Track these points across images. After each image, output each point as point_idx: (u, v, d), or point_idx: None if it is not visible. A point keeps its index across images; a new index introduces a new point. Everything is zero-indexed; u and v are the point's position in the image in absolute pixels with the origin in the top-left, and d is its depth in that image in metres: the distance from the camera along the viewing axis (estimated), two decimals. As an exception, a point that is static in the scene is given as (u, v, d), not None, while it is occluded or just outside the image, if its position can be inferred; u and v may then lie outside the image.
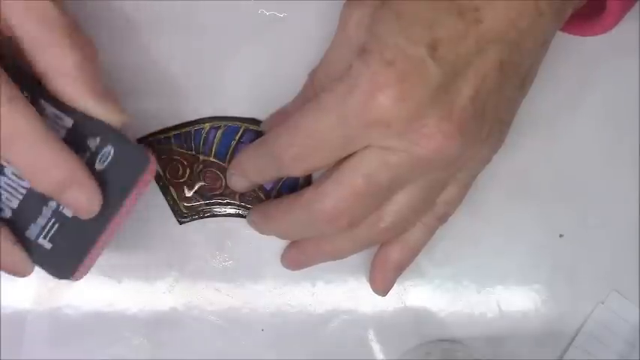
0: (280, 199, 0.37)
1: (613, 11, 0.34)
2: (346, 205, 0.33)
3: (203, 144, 0.39)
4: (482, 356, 0.40)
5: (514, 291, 0.41)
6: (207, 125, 0.38)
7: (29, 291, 0.38)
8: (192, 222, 0.39)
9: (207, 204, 0.39)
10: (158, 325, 0.39)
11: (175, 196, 0.39)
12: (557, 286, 0.41)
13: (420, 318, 0.41)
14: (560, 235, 0.41)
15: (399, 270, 0.38)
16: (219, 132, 0.38)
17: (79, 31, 0.32)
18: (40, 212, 0.34)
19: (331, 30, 0.35)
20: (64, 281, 0.38)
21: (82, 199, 0.31)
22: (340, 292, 0.40)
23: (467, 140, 0.31)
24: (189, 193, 0.39)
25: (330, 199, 0.33)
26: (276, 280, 0.40)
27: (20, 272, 0.33)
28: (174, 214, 0.39)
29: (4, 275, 0.38)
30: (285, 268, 0.39)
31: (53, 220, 0.33)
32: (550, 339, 0.41)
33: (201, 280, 0.39)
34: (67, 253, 0.34)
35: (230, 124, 0.38)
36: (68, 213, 0.33)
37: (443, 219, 0.36)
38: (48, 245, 0.34)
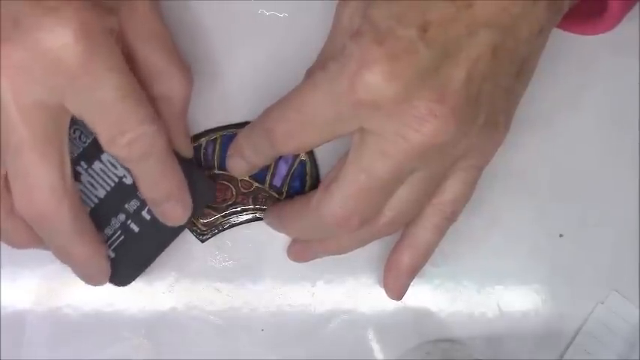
0: (293, 201, 0.37)
1: (614, 10, 0.34)
2: (354, 205, 0.32)
3: (204, 159, 0.39)
4: (482, 356, 0.40)
5: (514, 291, 0.41)
6: (203, 140, 0.38)
7: (29, 291, 0.38)
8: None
9: (223, 216, 0.39)
10: (158, 325, 0.39)
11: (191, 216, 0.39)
12: (557, 286, 0.41)
13: (419, 318, 0.41)
14: (560, 235, 0.41)
15: (411, 274, 0.37)
16: (217, 144, 0.38)
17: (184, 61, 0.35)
18: (108, 223, 0.35)
19: (331, 30, 0.35)
20: (63, 281, 0.38)
21: (178, 211, 0.35)
22: (340, 292, 0.40)
23: (461, 125, 0.31)
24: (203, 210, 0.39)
25: (337, 200, 0.33)
26: (276, 280, 0.40)
27: (99, 283, 0.36)
28: (194, 234, 0.39)
29: (4, 275, 0.38)
30: (284, 269, 0.39)
31: (120, 232, 0.35)
32: (550, 339, 0.41)
33: (201, 280, 0.39)
34: (128, 264, 0.36)
35: (224, 133, 0.39)
36: (135, 228, 0.35)
37: (451, 218, 0.36)
38: (111, 254, 0.36)
